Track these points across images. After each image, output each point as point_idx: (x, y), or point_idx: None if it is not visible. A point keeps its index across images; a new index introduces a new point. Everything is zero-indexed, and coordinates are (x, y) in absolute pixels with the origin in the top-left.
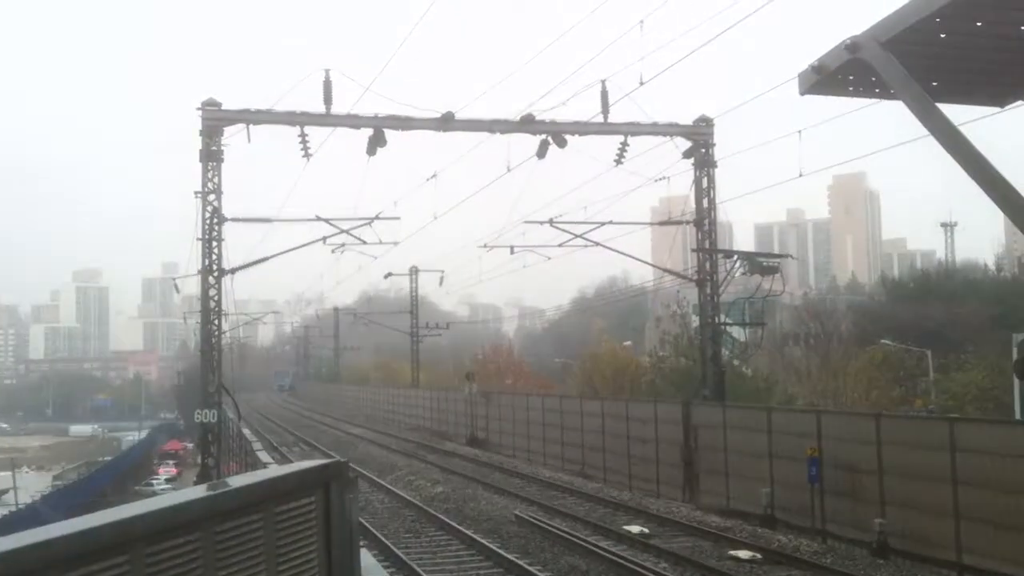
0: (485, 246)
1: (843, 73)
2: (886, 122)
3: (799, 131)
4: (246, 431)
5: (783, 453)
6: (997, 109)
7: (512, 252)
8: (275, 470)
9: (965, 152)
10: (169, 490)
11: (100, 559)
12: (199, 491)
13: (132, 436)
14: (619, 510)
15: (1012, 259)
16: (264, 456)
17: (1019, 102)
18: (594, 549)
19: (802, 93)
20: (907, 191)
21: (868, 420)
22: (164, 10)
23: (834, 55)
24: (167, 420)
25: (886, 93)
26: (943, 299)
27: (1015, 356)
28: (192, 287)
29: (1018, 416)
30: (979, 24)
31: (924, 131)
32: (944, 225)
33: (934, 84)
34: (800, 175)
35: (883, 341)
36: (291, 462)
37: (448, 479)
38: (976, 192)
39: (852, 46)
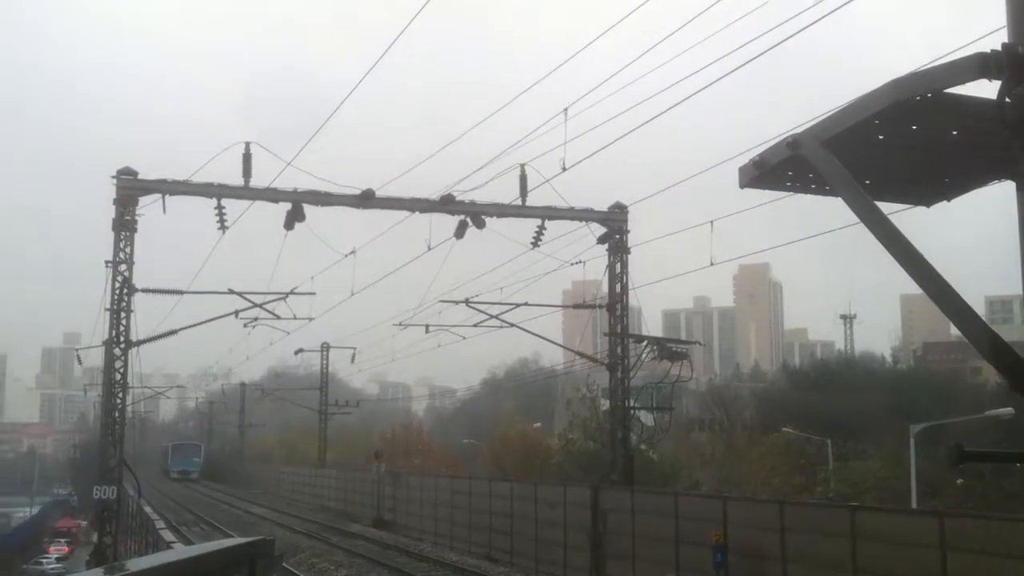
0: (400, 324)
1: (783, 168)
2: (790, 218)
3: (711, 221)
4: (147, 508)
5: (689, 539)
6: (924, 208)
7: (427, 331)
8: (202, 547)
9: (901, 247)
10: (60, 569)
11: None
12: (125, 569)
13: (23, 512)
14: None
15: (908, 352)
16: (167, 535)
17: (944, 201)
18: None
19: (742, 186)
20: (808, 284)
21: (772, 507)
22: (80, 73)
23: (775, 151)
24: (61, 496)
25: (822, 189)
26: (843, 389)
27: (912, 446)
28: (95, 359)
29: (915, 505)
30: (914, 128)
31: (826, 228)
32: (844, 317)
33: (867, 182)
34: (712, 263)
35: (785, 429)
36: (192, 544)
37: (352, 562)
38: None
39: (793, 143)
